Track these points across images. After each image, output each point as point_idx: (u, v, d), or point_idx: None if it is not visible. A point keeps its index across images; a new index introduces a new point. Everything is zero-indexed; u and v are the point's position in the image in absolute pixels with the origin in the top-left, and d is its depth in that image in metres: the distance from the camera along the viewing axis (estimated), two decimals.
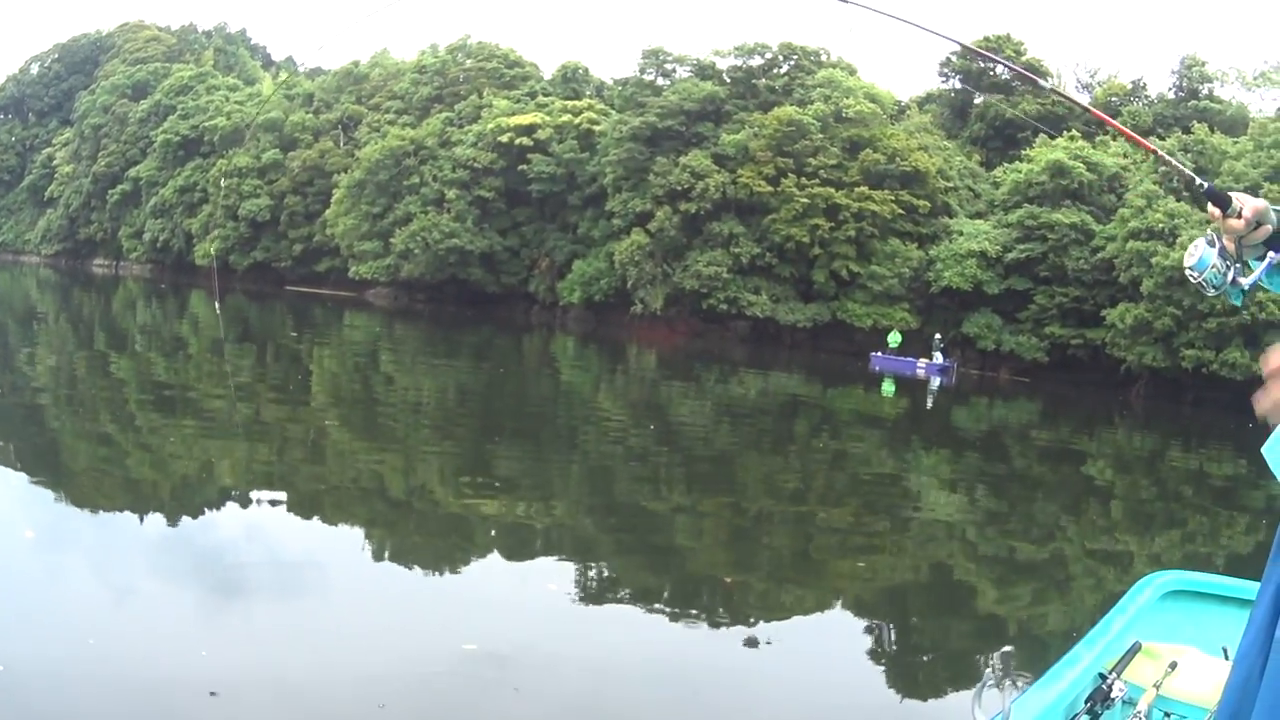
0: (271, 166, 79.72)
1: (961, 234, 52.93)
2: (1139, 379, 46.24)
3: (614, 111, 65.26)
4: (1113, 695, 4.02)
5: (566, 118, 66.20)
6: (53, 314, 39.32)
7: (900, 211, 54.04)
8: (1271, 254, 2.75)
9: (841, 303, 54.53)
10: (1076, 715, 4.00)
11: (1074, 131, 54.19)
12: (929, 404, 35.24)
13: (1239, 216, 2.70)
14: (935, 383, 43.19)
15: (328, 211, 73.93)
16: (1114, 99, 61.45)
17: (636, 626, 8.11)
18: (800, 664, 7.79)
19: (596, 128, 64.85)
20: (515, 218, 66.95)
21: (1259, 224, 2.70)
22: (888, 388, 38.62)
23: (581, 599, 8.69)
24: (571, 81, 75.14)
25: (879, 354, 49.44)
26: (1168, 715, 4.20)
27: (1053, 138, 53.39)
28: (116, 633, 6.77)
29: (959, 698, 7.04)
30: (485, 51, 77.50)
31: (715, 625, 8.46)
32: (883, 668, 8.23)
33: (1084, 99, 64.04)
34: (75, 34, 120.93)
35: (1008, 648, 3.60)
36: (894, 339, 50.95)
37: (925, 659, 8.52)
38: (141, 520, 9.90)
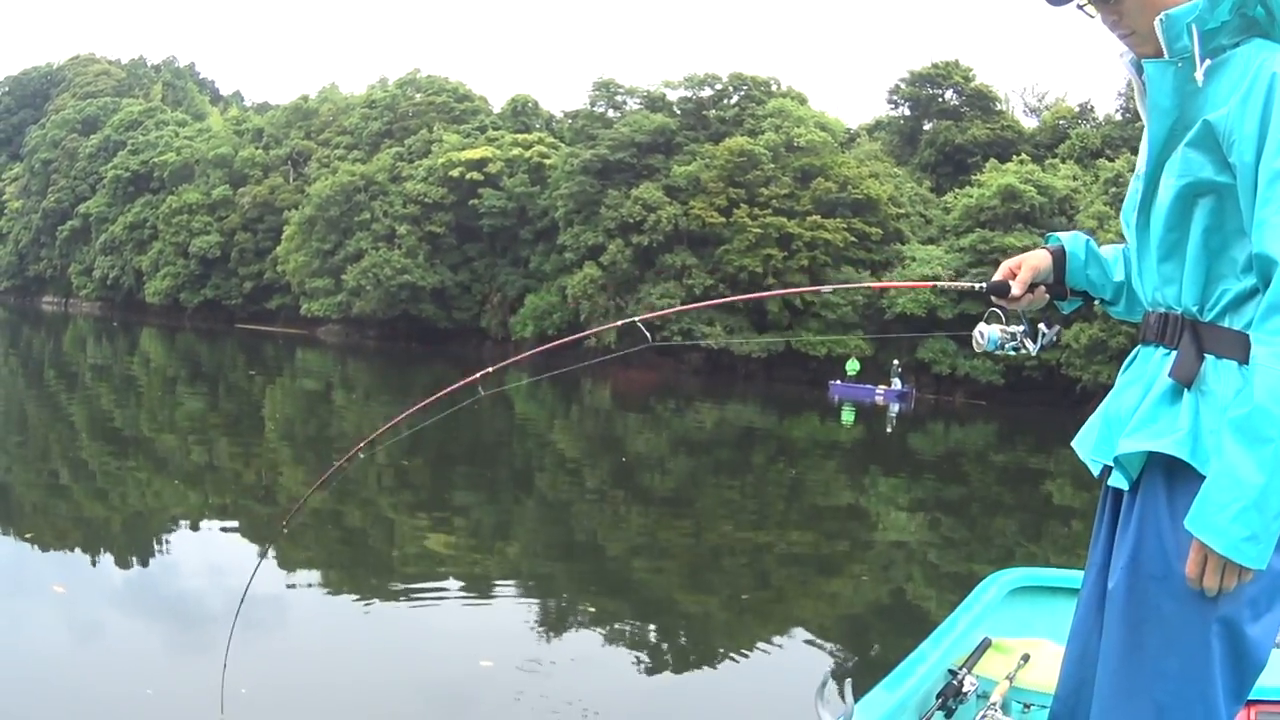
0: (221, 203, 79.09)
1: (914, 260, 53.13)
2: (1095, 397, 46.40)
3: (564, 145, 65.20)
4: (964, 690, 3.96)
5: (517, 151, 66.08)
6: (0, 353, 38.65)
7: (853, 239, 54.25)
8: (1043, 328, 3.14)
9: (796, 331, 54.54)
10: (928, 711, 3.90)
11: (1024, 155, 54.62)
12: (889, 430, 35.20)
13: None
14: (894, 409, 43.27)
15: (278, 248, 73.37)
16: (1062, 122, 62.03)
17: (599, 655, 7.90)
18: (759, 688, 7.61)
19: (547, 161, 64.75)
20: (466, 253, 66.67)
21: (1035, 286, 3.00)
22: (847, 415, 38.60)
23: (541, 630, 8.44)
24: (521, 115, 75.07)
25: (838, 382, 49.56)
26: (1027, 707, 4.14)
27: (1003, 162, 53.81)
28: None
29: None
30: (435, 85, 77.27)
31: (677, 653, 8.26)
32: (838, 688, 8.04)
33: (1032, 123, 64.78)
34: (26, 67, 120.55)
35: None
36: (852, 366, 51.07)
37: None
38: (94, 563, 9.57)
